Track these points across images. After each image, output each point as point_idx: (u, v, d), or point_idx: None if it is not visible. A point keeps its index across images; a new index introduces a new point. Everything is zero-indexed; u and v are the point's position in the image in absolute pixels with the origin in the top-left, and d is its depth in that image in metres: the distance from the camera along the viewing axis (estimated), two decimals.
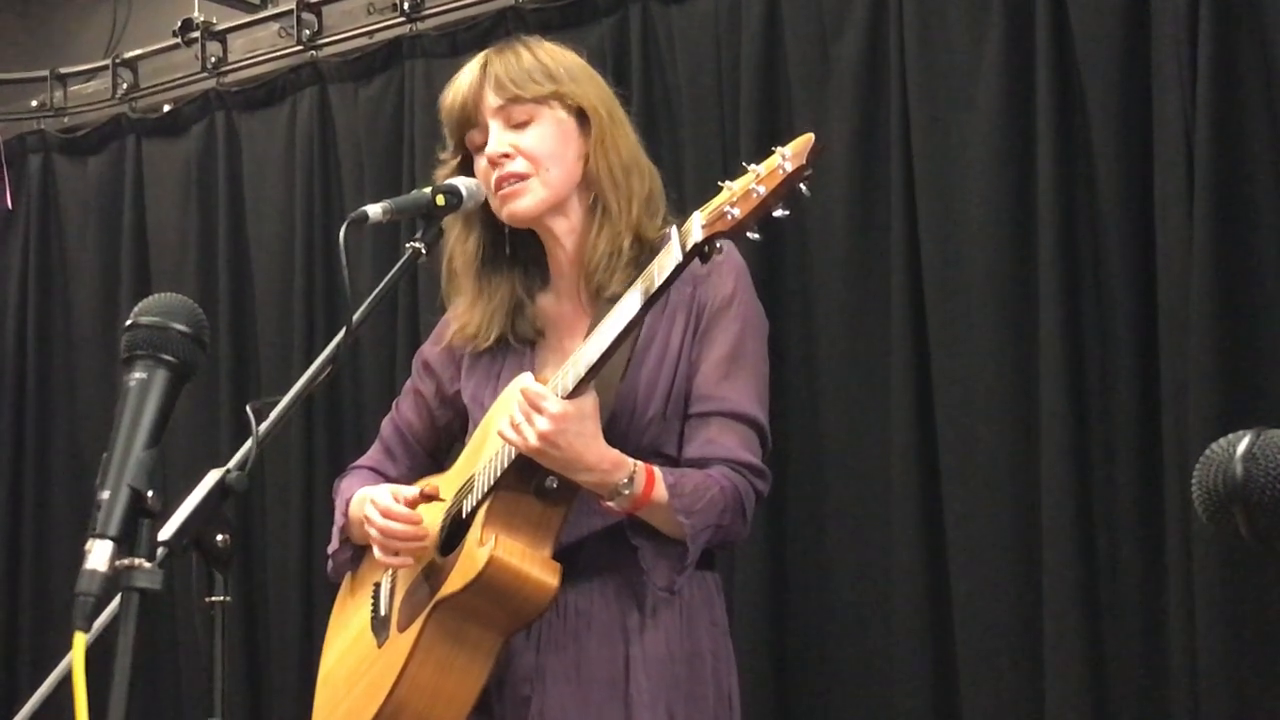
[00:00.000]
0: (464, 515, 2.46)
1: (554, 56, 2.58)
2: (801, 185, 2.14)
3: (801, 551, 3.71)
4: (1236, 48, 3.14)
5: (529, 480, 2.38)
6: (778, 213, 2.15)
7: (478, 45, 4.09)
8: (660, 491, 2.34)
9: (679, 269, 2.20)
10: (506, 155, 2.51)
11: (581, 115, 2.55)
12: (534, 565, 2.37)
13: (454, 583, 2.39)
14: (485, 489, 2.42)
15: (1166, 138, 3.21)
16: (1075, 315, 3.32)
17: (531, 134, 2.52)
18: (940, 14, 3.55)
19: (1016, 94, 3.43)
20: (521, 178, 2.51)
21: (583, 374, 2.30)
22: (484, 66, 2.55)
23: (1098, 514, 3.29)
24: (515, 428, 2.31)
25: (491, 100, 2.52)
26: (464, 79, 2.56)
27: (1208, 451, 1.50)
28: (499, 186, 2.51)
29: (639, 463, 2.35)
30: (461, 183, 2.49)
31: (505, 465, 2.38)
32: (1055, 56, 3.36)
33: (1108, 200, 3.32)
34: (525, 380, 2.35)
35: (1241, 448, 1.47)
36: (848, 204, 3.66)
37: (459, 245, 2.61)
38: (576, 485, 2.38)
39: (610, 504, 2.35)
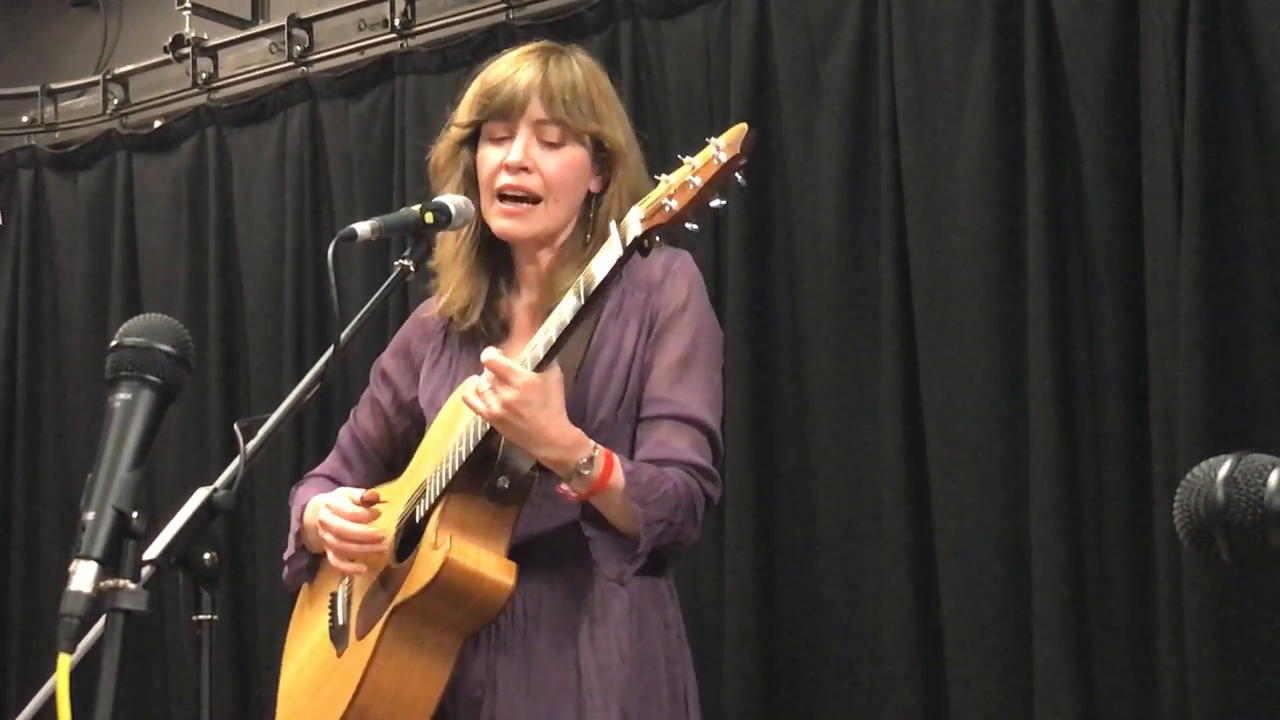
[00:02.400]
0: (417, 520, 2.47)
1: (599, 86, 2.59)
2: (737, 174, 2.16)
3: (790, 565, 3.71)
4: (1224, 61, 3.15)
5: (481, 482, 2.39)
6: (714, 203, 2.17)
7: (469, 61, 4.10)
8: (618, 477, 2.34)
9: (620, 262, 2.23)
10: (526, 169, 2.52)
11: (600, 151, 2.57)
12: (489, 566, 2.37)
13: (410, 586, 2.39)
14: (437, 492, 2.42)
15: (1155, 153, 3.21)
16: (1064, 330, 3.33)
17: (556, 160, 2.54)
18: (929, 30, 3.56)
19: (1005, 110, 3.44)
20: (532, 199, 2.53)
21: (540, 356, 2.32)
22: (543, 71, 2.54)
23: (1087, 530, 3.29)
24: (480, 395, 2.31)
25: (537, 110, 2.53)
26: (520, 74, 2.55)
27: (1189, 476, 1.49)
28: (502, 195, 2.53)
29: (600, 446, 2.35)
30: (450, 200, 2.49)
31: (457, 468, 2.39)
32: (1044, 71, 3.37)
33: (1096, 215, 3.32)
34: (490, 353, 2.34)
35: (1222, 472, 1.47)
36: (837, 219, 3.67)
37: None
38: (529, 486, 2.39)
39: (567, 487, 2.34)
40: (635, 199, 2.54)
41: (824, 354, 3.69)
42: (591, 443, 2.34)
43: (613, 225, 2.25)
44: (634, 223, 2.20)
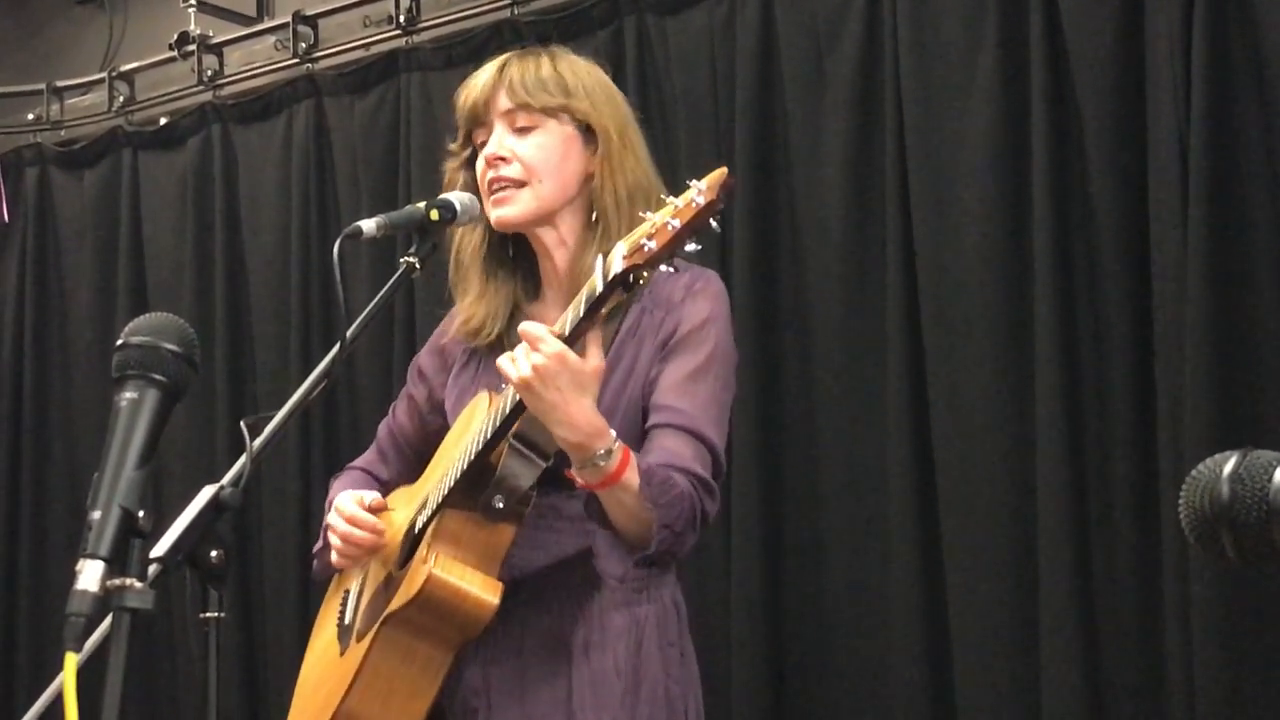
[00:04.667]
0: (416, 531, 2.47)
1: (574, 70, 2.59)
2: (712, 220, 2.14)
3: (797, 563, 3.71)
4: (1230, 60, 3.15)
5: (475, 498, 2.36)
6: (690, 247, 2.16)
7: (474, 58, 4.11)
8: (632, 476, 2.31)
9: (601, 298, 2.21)
10: (502, 159, 2.52)
11: (589, 132, 2.56)
12: (474, 583, 2.36)
13: (399, 598, 2.40)
14: (435, 506, 2.42)
15: (1161, 150, 3.21)
16: (1070, 325, 3.32)
17: (531, 143, 2.53)
18: (935, 26, 3.56)
19: (1011, 106, 3.44)
20: (516, 184, 2.52)
21: (510, 407, 2.32)
22: (501, 69, 2.56)
23: (1094, 529, 3.29)
24: (513, 361, 2.27)
25: (501, 103, 2.54)
26: (481, 78, 2.58)
27: (1194, 472, 1.49)
28: (491, 189, 2.53)
29: (620, 442, 2.32)
30: (455, 197, 2.49)
31: (454, 482, 2.38)
32: (1049, 69, 3.37)
33: (1103, 214, 3.32)
34: (527, 324, 2.30)
35: (1228, 468, 1.46)
36: (843, 218, 3.67)
37: (467, 238, 2.62)
38: (525, 505, 2.36)
39: (579, 475, 2.31)
40: (631, 180, 2.54)
41: (830, 350, 3.69)
42: (613, 435, 2.30)
43: (598, 260, 2.22)
44: (616, 260, 2.17)
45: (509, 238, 2.62)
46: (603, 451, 2.28)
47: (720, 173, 2.15)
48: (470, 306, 2.63)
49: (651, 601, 2.49)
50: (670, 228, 2.13)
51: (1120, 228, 3.30)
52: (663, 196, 2.19)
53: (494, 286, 2.62)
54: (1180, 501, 1.50)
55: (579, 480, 2.32)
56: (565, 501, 2.45)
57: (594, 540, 2.39)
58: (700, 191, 2.12)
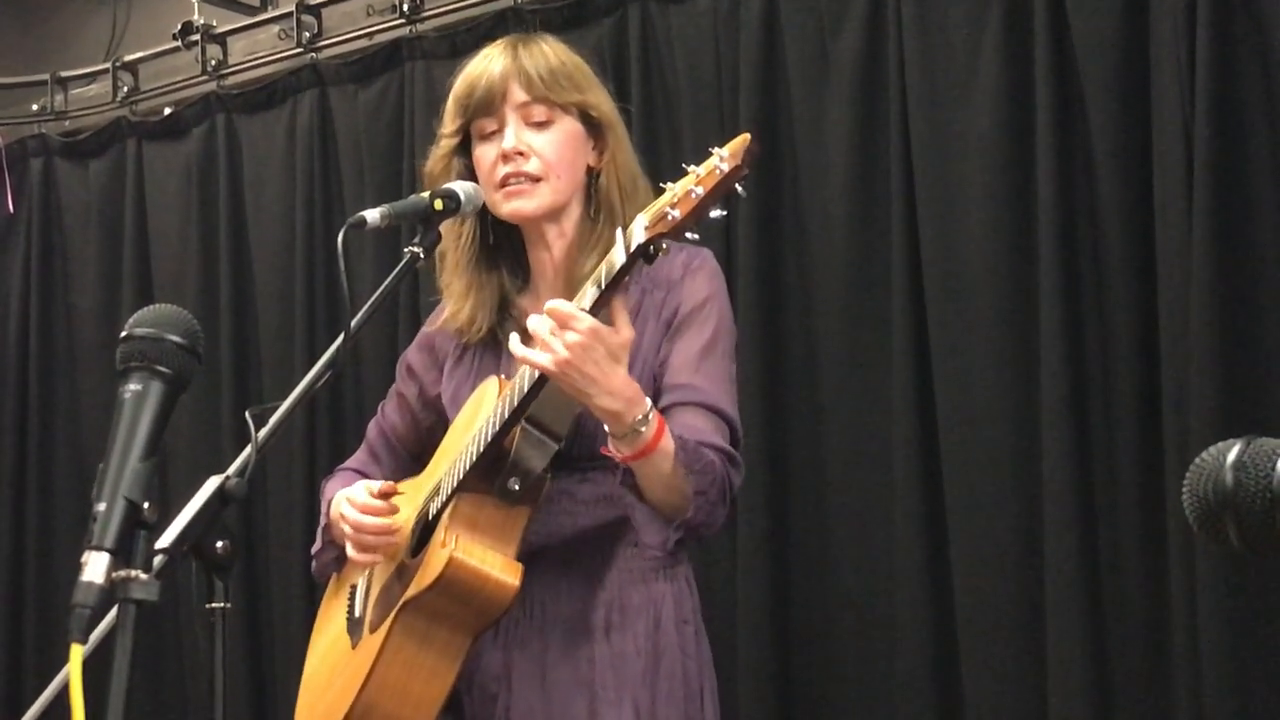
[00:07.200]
0: (430, 517, 2.47)
1: (576, 62, 2.59)
2: (737, 185, 2.14)
3: (804, 553, 3.72)
4: (1234, 44, 3.14)
5: (491, 482, 2.37)
6: (715, 213, 2.16)
7: (478, 46, 4.03)
8: (668, 441, 2.30)
9: (624, 270, 2.21)
10: (521, 154, 2.51)
11: (591, 125, 2.57)
12: (494, 566, 2.37)
13: (418, 584, 2.40)
14: (449, 491, 2.42)
15: (1166, 135, 3.21)
16: (1076, 314, 3.32)
17: (548, 138, 2.53)
18: (939, 11, 3.55)
19: (1015, 91, 3.44)
20: (533, 179, 2.52)
21: (526, 390, 2.31)
22: (514, 58, 2.54)
23: (1100, 513, 3.29)
24: (543, 345, 2.23)
25: (518, 95, 2.53)
26: (493, 65, 2.55)
27: (1198, 460, 1.49)
28: (505, 182, 2.52)
29: (654, 407, 2.31)
30: (459, 187, 2.48)
31: (468, 467, 2.38)
32: (1054, 53, 3.37)
33: (1108, 199, 3.32)
34: (554, 301, 2.26)
35: (1232, 456, 1.47)
36: (847, 203, 3.66)
37: (451, 234, 2.61)
38: (540, 487, 2.37)
39: (615, 447, 2.29)
40: (631, 170, 2.55)
41: (835, 340, 3.69)
42: (648, 401, 2.29)
43: (619, 232, 2.22)
44: (638, 230, 2.17)
45: (494, 229, 2.61)
46: (641, 417, 2.27)
47: (743, 138, 2.14)
48: (457, 304, 2.62)
49: (668, 580, 2.50)
50: (694, 195, 2.13)
51: (1125, 214, 3.30)
52: (684, 166, 2.18)
53: (482, 280, 2.61)
54: (1184, 489, 1.50)
55: (618, 453, 2.30)
56: (578, 485, 2.47)
57: (632, 513, 2.36)
58: (723, 158, 2.12)
